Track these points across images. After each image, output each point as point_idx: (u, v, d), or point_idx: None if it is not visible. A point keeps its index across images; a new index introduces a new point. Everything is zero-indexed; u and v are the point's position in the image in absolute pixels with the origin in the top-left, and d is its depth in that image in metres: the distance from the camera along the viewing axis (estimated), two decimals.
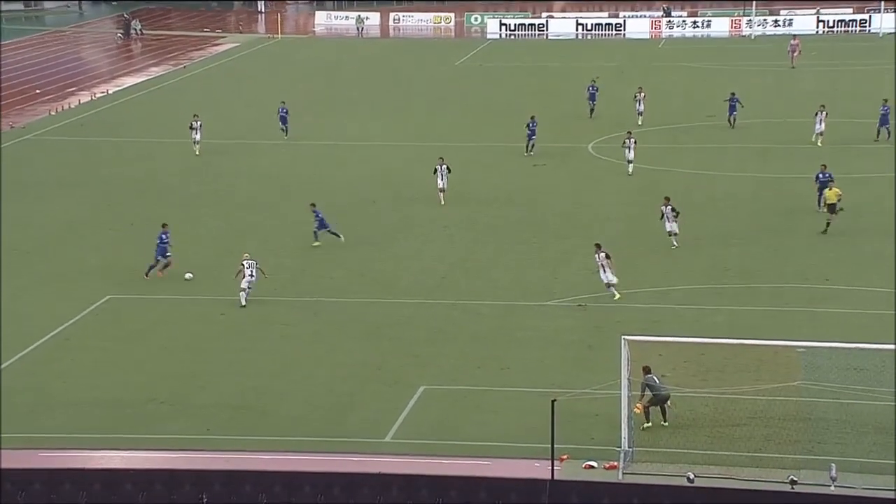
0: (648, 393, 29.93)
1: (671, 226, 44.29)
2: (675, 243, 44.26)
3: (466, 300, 40.34)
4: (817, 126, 58.97)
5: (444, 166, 50.09)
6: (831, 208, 46.12)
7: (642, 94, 63.78)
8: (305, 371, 34.71)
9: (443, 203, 48.76)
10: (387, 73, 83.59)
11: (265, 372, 34.70)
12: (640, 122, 62.40)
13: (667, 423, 29.95)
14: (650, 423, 29.96)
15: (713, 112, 66.51)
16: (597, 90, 64.82)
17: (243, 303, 39.29)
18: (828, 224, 45.36)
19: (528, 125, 57.89)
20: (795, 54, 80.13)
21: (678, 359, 32.83)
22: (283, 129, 63.19)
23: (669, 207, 44.43)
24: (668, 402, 30.11)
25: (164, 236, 42.45)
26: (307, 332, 37.82)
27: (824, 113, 58.95)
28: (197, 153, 59.56)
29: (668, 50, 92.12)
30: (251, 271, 39.54)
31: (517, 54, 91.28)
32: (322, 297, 40.82)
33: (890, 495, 25.86)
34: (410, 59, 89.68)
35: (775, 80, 76.68)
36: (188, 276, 42.11)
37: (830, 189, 46.84)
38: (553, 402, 27.28)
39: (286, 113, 63.18)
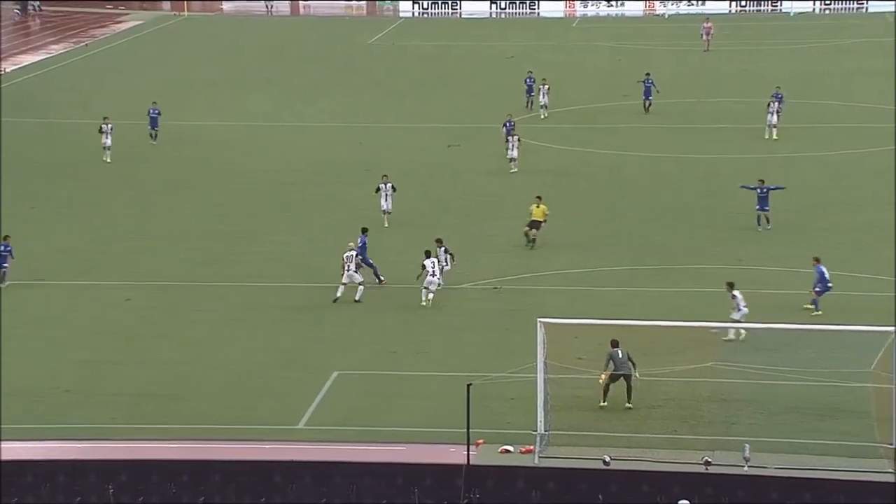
0: (612, 366, 29.97)
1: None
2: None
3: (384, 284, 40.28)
4: (770, 118, 57.54)
5: (389, 185, 45.23)
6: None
7: (546, 87, 63.38)
8: (216, 357, 34.42)
9: (386, 225, 44.47)
10: (298, 53, 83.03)
11: (174, 359, 34.36)
12: (542, 116, 62.13)
13: (630, 406, 29.99)
14: (606, 403, 30.02)
15: (628, 92, 67.04)
16: (534, 81, 64.57)
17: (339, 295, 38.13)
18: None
19: (504, 124, 55.85)
20: (709, 37, 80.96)
21: (594, 341, 33.00)
22: (152, 133, 57.60)
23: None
24: (632, 381, 30.00)
25: (2, 248, 39.96)
26: (217, 318, 37.51)
27: (777, 104, 57.68)
28: (108, 160, 54.36)
29: (582, 29, 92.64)
30: (349, 265, 38.26)
31: (431, 33, 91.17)
32: (233, 282, 40.49)
33: (801, 474, 26.28)
34: (321, 39, 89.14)
35: (689, 61, 77.47)
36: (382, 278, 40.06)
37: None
38: (469, 386, 27.36)
39: (157, 114, 57.77)
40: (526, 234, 43.21)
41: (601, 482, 26.42)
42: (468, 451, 27.18)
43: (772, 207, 45.02)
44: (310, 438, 29.23)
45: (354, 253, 38.84)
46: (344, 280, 38.32)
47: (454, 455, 27.53)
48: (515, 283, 39.51)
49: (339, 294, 38.19)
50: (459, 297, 38.93)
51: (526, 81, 64.85)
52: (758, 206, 44.51)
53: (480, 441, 28.35)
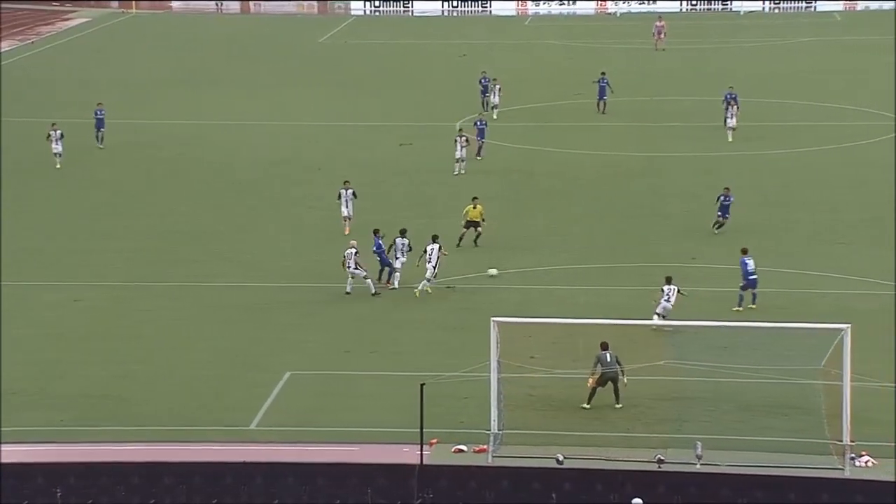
0: (600, 368, 30.08)
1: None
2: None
3: (334, 283, 40.23)
4: (729, 120, 57.54)
5: (350, 191, 44.52)
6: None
7: (497, 87, 63.44)
8: (167, 358, 34.26)
9: (347, 232, 43.75)
10: (249, 52, 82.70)
11: (125, 359, 34.15)
12: (495, 116, 62.24)
13: (620, 406, 30.08)
14: (589, 406, 30.09)
15: (581, 90, 67.36)
16: (489, 81, 64.51)
17: (373, 290, 38.60)
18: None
19: (476, 123, 55.67)
20: (661, 36, 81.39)
21: (547, 340, 33.19)
22: (98, 136, 56.35)
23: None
24: (620, 382, 30.09)
25: None
26: (169, 318, 37.33)
27: (736, 107, 57.72)
28: (58, 166, 53.21)
29: (534, 27, 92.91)
30: (349, 262, 38.47)
31: (382, 31, 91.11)
32: (185, 283, 40.31)
33: (752, 471, 26.53)
34: (273, 37, 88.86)
35: (642, 60, 77.91)
36: (493, 272, 40.41)
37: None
38: (422, 385, 27.41)
39: (103, 116, 56.49)
40: (461, 237, 43.16)
41: (554, 481, 26.54)
42: (421, 450, 27.23)
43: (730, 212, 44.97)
44: (262, 439, 29.17)
45: (354, 251, 38.74)
46: (350, 278, 38.65)
47: (408, 455, 27.57)
48: (469, 283, 39.60)
49: (349, 289, 38.62)
50: (413, 297, 38.93)
51: (481, 81, 64.89)
52: (719, 213, 44.31)
53: (434, 440, 28.41)
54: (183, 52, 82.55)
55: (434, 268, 38.80)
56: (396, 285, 39.28)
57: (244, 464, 26.80)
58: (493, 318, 28.97)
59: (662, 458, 27.31)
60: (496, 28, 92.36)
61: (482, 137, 54.89)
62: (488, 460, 27.83)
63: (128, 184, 52.38)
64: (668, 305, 35.66)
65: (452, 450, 28.39)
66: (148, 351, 34.78)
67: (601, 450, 27.94)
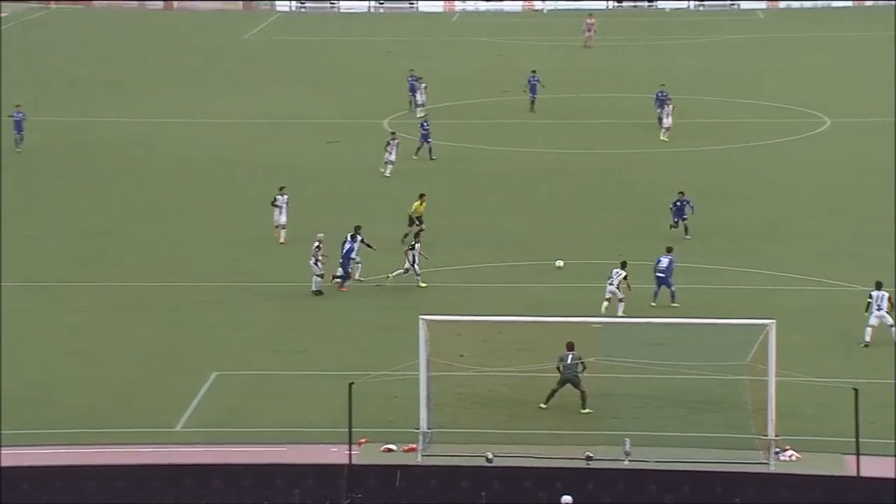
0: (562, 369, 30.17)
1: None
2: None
3: (261, 282, 40.13)
4: (664, 120, 57.69)
5: (286, 198, 43.55)
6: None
7: (423, 85, 63.62)
8: (90, 359, 34.02)
9: (282, 241, 43.02)
10: (172, 48, 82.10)
11: (48, 361, 33.86)
12: (420, 115, 62.28)
13: (585, 411, 30.06)
14: (546, 406, 30.15)
15: (509, 87, 67.73)
16: (417, 80, 64.49)
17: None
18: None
19: (421, 125, 55.31)
20: (591, 33, 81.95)
21: (477, 338, 33.38)
22: (17, 139, 54.82)
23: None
24: (581, 387, 30.12)
25: None
26: (93, 319, 37.06)
27: (671, 106, 57.84)
28: None
29: (462, 24, 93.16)
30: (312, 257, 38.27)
31: (308, 28, 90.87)
32: (110, 282, 40.04)
33: (680, 467, 26.91)
34: (196, 34, 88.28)
35: (571, 57, 78.44)
36: (560, 263, 40.31)
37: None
38: (351, 384, 27.47)
39: (22, 118, 54.93)
40: (407, 234, 43.31)
41: (484, 480, 26.69)
42: (350, 450, 27.30)
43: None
44: (188, 441, 29.07)
45: (316, 245, 38.49)
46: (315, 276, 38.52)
47: (336, 455, 27.59)
48: (398, 281, 39.71)
49: (314, 287, 38.57)
50: (342, 295, 38.98)
51: (409, 80, 64.98)
52: (675, 219, 43.79)
53: (363, 440, 28.48)
54: (104, 49, 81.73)
55: (413, 264, 38.80)
56: (358, 276, 39.34)
57: (170, 466, 26.69)
58: (421, 317, 29.06)
59: (591, 455, 27.59)
60: (423, 25, 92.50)
61: (428, 139, 54.78)
62: (417, 459, 27.92)
63: (48, 183, 51.84)
64: (612, 288, 36.37)
65: (381, 449, 28.47)
66: (71, 351, 34.52)
67: (530, 448, 28.13)
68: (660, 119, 59.38)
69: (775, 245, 43.75)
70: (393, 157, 52.36)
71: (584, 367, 30.24)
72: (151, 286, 39.78)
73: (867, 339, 34.49)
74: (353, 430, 27.42)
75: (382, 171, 52.33)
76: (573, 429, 29.28)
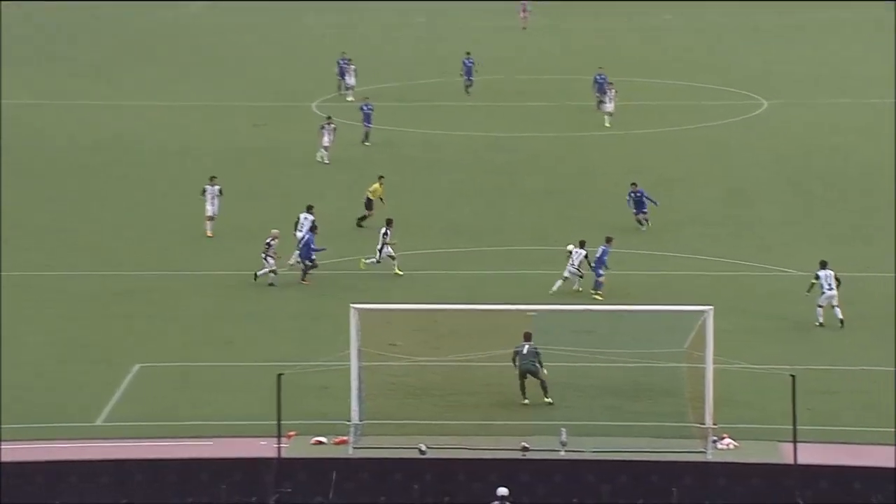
0: (518, 360, 29.97)
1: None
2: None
3: (186, 271, 39.65)
4: (606, 105, 57.73)
5: (217, 188, 42.70)
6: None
7: (353, 68, 63.20)
8: (8, 352, 33.43)
9: (210, 234, 42.72)
10: (87, 28, 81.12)
11: None
12: (349, 99, 62.02)
13: (548, 400, 29.92)
14: (527, 400, 29.96)
15: (444, 70, 67.60)
16: (348, 63, 63.91)
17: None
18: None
19: (361, 108, 54.91)
20: (525, 14, 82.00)
21: (409, 326, 33.21)
22: None
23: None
24: (541, 376, 29.91)
25: None
26: (10, 310, 36.43)
27: (613, 91, 57.76)
28: None
29: (395, 6, 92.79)
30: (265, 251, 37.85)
31: (231, 7, 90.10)
32: (24, 272, 39.42)
33: (617, 456, 26.96)
34: (113, 12, 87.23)
35: (507, 40, 78.46)
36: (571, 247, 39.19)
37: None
38: (279, 375, 27.23)
39: None
40: (366, 216, 43.38)
41: (417, 472, 26.59)
42: (279, 443, 27.07)
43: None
44: (109, 436, 28.62)
45: (269, 239, 38.05)
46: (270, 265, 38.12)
47: (264, 448, 27.32)
48: (328, 269, 39.43)
49: (259, 272, 38.19)
50: (267, 284, 38.59)
51: (339, 63, 64.61)
52: (634, 210, 43.25)
53: (292, 433, 28.24)
54: (17, 31, 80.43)
55: (381, 251, 38.68)
56: (293, 261, 39.07)
57: (90, 462, 26.29)
58: (352, 305, 28.85)
59: (527, 445, 27.56)
60: (355, 6, 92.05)
61: (369, 122, 54.23)
62: (349, 452, 27.73)
63: None
64: (573, 269, 36.69)
65: (311, 442, 28.22)
66: None
67: (464, 438, 28.00)
68: (599, 103, 59.53)
69: (709, 230, 43.92)
70: (327, 142, 51.86)
71: (541, 361, 29.99)
72: (71, 276, 39.21)
73: (820, 319, 34.72)
74: (282, 422, 27.17)
75: (319, 157, 51.80)
76: (508, 419, 29.21)
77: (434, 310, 33.31)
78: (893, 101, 62.48)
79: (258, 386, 30.56)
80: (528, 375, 30.00)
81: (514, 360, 30.04)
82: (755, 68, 70.40)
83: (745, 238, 43.08)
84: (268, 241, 38.45)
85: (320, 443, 28.26)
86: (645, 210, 43.13)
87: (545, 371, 30.05)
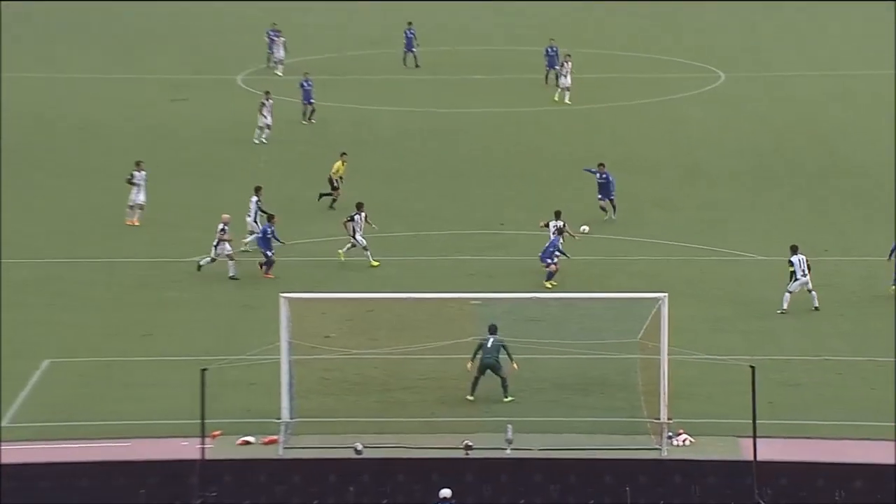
0: (480, 354, 29.93)
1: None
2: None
3: (100, 258, 39.39)
4: (562, 79, 57.29)
5: (144, 173, 42.30)
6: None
7: (282, 40, 62.93)
8: None
9: (137, 223, 42.01)
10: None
11: None
12: (279, 73, 61.82)
13: (507, 399, 29.92)
14: (473, 398, 29.98)
15: (377, 40, 67.53)
16: (279, 34, 63.46)
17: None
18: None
19: (301, 84, 54.38)
20: None
21: (344, 317, 33.29)
22: None
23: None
24: (502, 373, 29.83)
25: None
26: None
27: (569, 64, 57.35)
28: None
29: None
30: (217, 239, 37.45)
31: None
32: None
33: (566, 454, 27.14)
34: None
35: (448, 10, 78.36)
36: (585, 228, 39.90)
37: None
38: (203, 370, 27.17)
39: None
40: (331, 197, 43.47)
41: (353, 473, 26.65)
42: (202, 444, 27.01)
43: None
44: (15, 437, 28.39)
45: (221, 226, 37.71)
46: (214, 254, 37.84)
47: (187, 449, 27.27)
48: (255, 255, 39.30)
49: (201, 262, 37.88)
50: (191, 272, 38.47)
51: (268, 34, 64.32)
52: (599, 195, 42.48)
53: (217, 432, 28.20)
54: None
55: (353, 235, 38.58)
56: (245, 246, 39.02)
57: None
58: (282, 295, 28.82)
59: (470, 444, 27.69)
60: None
61: (309, 100, 54.03)
62: (279, 452, 27.74)
63: None
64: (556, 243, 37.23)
65: (238, 442, 28.23)
66: None
67: (404, 437, 28.13)
68: (547, 77, 59.68)
69: (663, 210, 44.20)
70: (269, 121, 51.41)
71: (510, 355, 29.98)
72: None
73: (785, 306, 35.07)
74: (206, 421, 27.13)
75: (256, 137, 51.44)
76: (451, 416, 29.33)
77: (371, 299, 33.40)
78: (856, 72, 63.23)
79: (179, 382, 30.49)
80: (488, 371, 29.98)
81: (474, 354, 30.00)
82: (710, 38, 70.91)
83: (702, 220, 43.39)
84: (221, 226, 37.96)
85: (247, 443, 28.25)
86: (612, 196, 42.28)
87: (516, 366, 30.01)
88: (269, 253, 37.87)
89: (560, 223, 37.93)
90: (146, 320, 35.09)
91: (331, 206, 43.59)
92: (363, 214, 38.96)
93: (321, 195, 43.76)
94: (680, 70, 64.40)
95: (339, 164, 44.24)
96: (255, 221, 39.79)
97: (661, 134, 53.82)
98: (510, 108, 57.33)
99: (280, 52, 62.36)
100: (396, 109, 57.06)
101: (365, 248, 38.60)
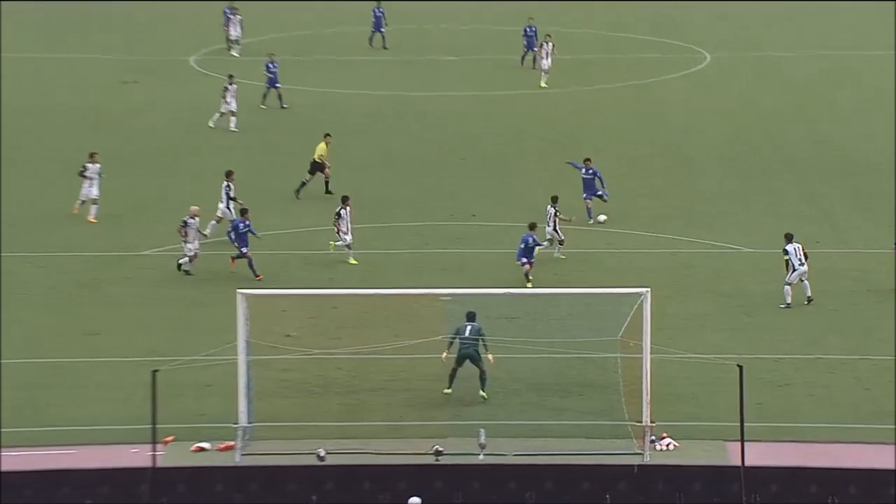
0: (457, 344, 29.87)
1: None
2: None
3: (43, 251, 39.19)
4: (543, 61, 57.23)
5: (98, 166, 41.87)
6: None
7: (238, 17, 62.83)
8: None
9: (93, 219, 41.56)
10: None
11: None
12: (235, 54, 61.67)
13: (485, 395, 29.95)
14: (450, 391, 29.95)
15: (342, 20, 67.50)
16: (234, 11, 63.34)
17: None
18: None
19: (266, 66, 54.18)
20: None
21: (305, 314, 33.26)
22: None
23: None
24: (482, 365, 29.80)
25: None
26: None
27: (551, 44, 57.28)
28: None
29: None
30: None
31: None
32: None
33: (543, 460, 27.16)
34: None
35: None
36: (602, 218, 40.33)
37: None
38: (154, 372, 27.06)
39: None
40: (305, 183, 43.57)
41: (315, 480, 26.63)
42: (154, 451, 26.91)
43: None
44: None
45: (186, 219, 37.30)
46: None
47: (137, 457, 27.24)
48: (210, 248, 39.16)
49: (181, 261, 37.59)
50: (139, 266, 38.35)
51: (224, 12, 64.17)
52: (585, 194, 41.72)
53: (169, 438, 28.14)
54: None
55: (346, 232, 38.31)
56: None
57: None
58: (239, 291, 28.75)
59: (440, 449, 27.72)
60: None
61: (275, 83, 53.76)
62: (235, 459, 27.71)
63: None
64: (549, 230, 37.75)
65: (192, 448, 28.17)
66: None
67: (369, 442, 28.13)
68: (524, 58, 59.68)
69: (640, 199, 44.24)
70: (234, 106, 51.08)
71: (486, 345, 29.94)
72: None
73: (788, 300, 35.11)
74: (158, 426, 26.99)
75: (214, 122, 51.15)
76: (420, 419, 29.34)
77: (335, 295, 33.37)
78: (850, 52, 63.51)
79: (129, 384, 30.39)
80: (468, 362, 29.94)
81: (449, 344, 29.98)
82: (695, 16, 71.08)
83: (686, 210, 43.46)
84: (185, 219, 37.63)
85: (202, 449, 28.20)
86: (598, 193, 41.62)
87: (491, 358, 30.00)
88: (244, 249, 37.35)
89: (552, 210, 38.28)
90: (93, 318, 34.91)
91: (299, 192, 43.22)
92: (349, 209, 38.51)
93: (300, 188, 43.54)
94: (663, 50, 64.56)
95: (322, 145, 44.12)
96: (228, 208, 39.64)
97: (643, 119, 53.94)
98: (483, 92, 57.36)
99: (236, 31, 62.22)
100: (362, 93, 56.99)
101: (347, 247, 38.28)
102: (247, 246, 37.43)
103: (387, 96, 56.64)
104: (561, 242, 38.38)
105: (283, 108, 53.63)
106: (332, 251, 38.51)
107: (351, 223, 38.52)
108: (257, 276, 36.90)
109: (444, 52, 63.66)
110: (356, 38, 65.02)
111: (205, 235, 38.38)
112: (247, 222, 37.63)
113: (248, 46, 62.36)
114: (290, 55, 62.09)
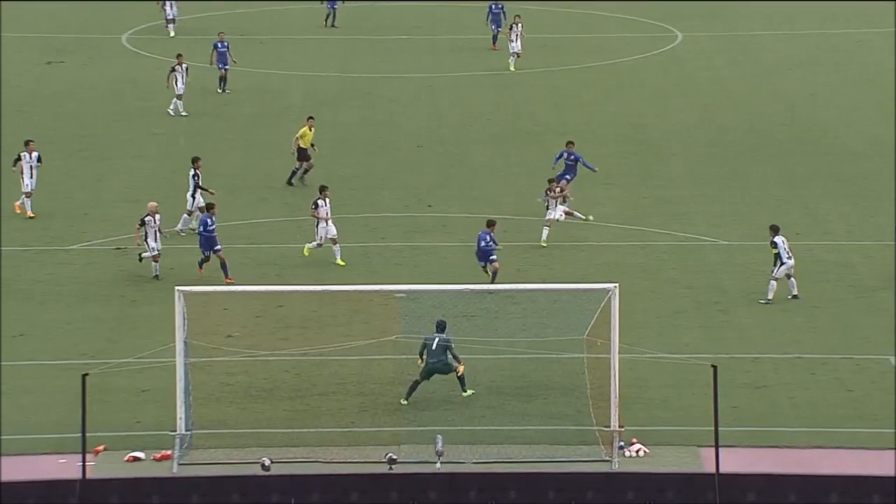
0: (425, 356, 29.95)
1: None
2: None
3: None
4: (512, 44, 57.11)
5: (36, 154, 41.22)
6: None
7: (173, 5, 62.74)
8: None
9: (31, 214, 41.19)
10: None
11: None
12: (172, 34, 61.62)
13: (466, 393, 30.01)
14: (406, 402, 30.00)
15: None
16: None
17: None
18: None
19: (215, 46, 53.62)
20: None
21: (250, 313, 33.29)
22: None
23: None
24: (456, 373, 29.88)
25: None
26: None
27: (520, 26, 57.21)
28: None
29: None
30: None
31: None
32: None
33: (505, 468, 27.28)
34: None
35: None
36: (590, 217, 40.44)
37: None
38: (84, 376, 27.03)
39: None
40: (296, 171, 43.60)
41: (259, 491, 26.67)
42: (84, 461, 26.88)
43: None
44: None
45: (144, 218, 36.88)
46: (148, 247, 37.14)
47: (65, 468, 27.20)
48: (163, 242, 39.00)
49: (143, 255, 37.21)
50: (68, 262, 38.29)
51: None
52: (566, 177, 41.65)
53: (101, 447, 28.10)
54: None
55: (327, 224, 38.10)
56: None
57: None
58: (178, 288, 28.75)
59: (395, 456, 27.82)
60: None
61: (224, 64, 53.60)
62: (173, 469, 27.71)
63: None
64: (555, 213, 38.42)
65: (125, 458, 28.12)
66: None
67: (318, 450, 28.17)
68: (494, 38, 59.79)
69: (610, 188, 44.40)
70: (181, 89, 50.77)
71: (457, 357, 29.98)
72: None
73: (770, 296, 35.30)
74: (88, 434, 27.00)
75: (172, 109, 50.93)
76: (372, 425, 29.44)
77: (281, 292, 33.37)
78: (828, 31, 63.91)
79: (57, 389, 30.32)
80: (436, 376, 30.03)
81: (420, 356, 30.05)
82: None
83: (656, 199, 43.67)
84: (143, 217, 37.10)
85: (136, 459, 28.18)
86: (570, 176, 41.57)
87: (463, 367, 30.04)
88: (207, 253, 36.73)
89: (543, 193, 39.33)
90: (17, 317, 34.76)
91: (289, 181, 43.54)
92: (328, 200, 38.26)
93: (291, 176, 43.62)
94: (631, 29, 64.78)
95: (304, 129, 43.98)
96: (192, 196, 39.52)
97: (609, 101, 54.15)
98: (440, 74, 57.41)
99: (172, 10, 62.10)
100: (308, 74, 56.95)
101: (333, 242, 38.00)
102: (216, 246, 36.67)
103: (334, 77, 56.64)
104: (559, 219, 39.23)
105: (225, 92, 53.40)
106: (306, 255, 38.16)
107: (330, 214, 38.16)
108: (228, 278, 36.42)
109: (398, 31, 63.67)
110: (304, 16, 64.89)
111: (165, 236, 37.69)
112: (213, 218, 36.96)
113: (184, 25, 62.21)
114: (233, 34, 62.03)
